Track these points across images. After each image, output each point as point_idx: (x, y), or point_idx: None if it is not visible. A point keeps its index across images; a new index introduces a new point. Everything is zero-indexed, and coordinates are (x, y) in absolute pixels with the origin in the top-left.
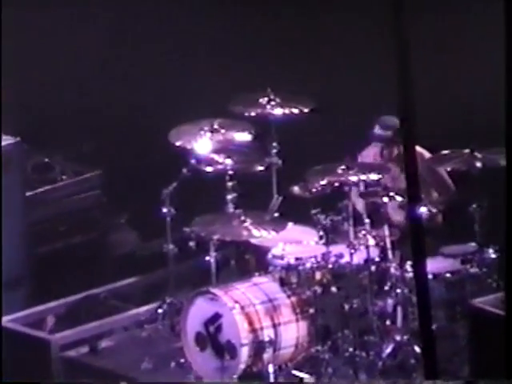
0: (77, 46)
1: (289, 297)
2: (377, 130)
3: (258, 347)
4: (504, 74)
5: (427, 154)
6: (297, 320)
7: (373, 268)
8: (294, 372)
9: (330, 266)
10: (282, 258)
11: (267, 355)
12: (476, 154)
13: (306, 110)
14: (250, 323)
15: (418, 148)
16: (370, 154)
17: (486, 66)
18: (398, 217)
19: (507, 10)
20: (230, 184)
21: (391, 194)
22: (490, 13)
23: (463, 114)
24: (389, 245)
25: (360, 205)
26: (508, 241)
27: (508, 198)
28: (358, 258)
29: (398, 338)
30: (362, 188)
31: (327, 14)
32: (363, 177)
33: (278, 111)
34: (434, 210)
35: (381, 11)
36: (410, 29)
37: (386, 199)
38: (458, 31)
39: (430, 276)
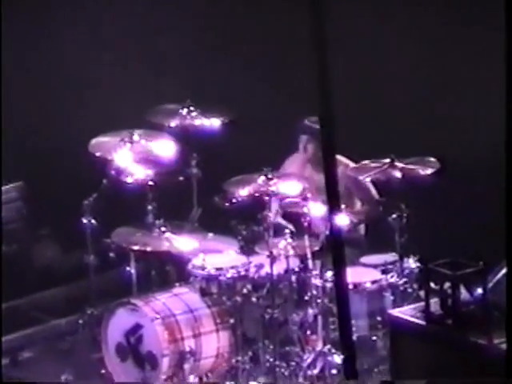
0: None
1: (209, 307)
2: (306, 122)
3: (179, 358)
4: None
5: (352, 164)
6: (217, 330)
7: (293, 278)
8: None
9: (251, 276)
10: (202, 268)
11: (188, 366)
12: (396, 163)
13: (226, 121)
14: (171, 334)
15: (343, 158)
16: (293, 162)
17: (406, 74)
18: (318, 227)
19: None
20: (150, 195)
21: (311, 204)
22: None
23: (383, 123)
24: (309, 255)
25: (279, 215)
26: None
27: (507, 205)
28: (279, 268)
29: (318, 348)
30: (282, 198)
31: (246, 22)
32: (283, 187)
33: (198, 122)
34: (356, 221)
35: (298, 14)
36: (331, 42)
37: (305, 209)
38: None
39: (350, 286)
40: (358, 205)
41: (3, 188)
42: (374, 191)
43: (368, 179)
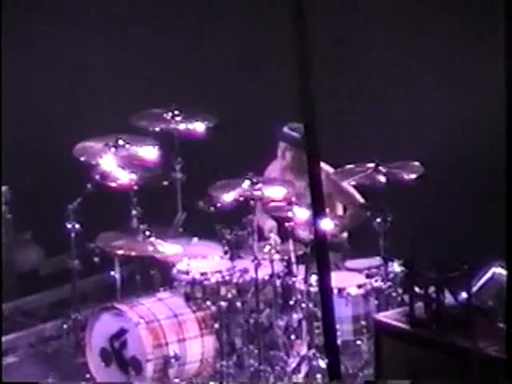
0: None
1: (194, 312)
2: (285, 129)
3: (164, 363)
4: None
5: (330, 170)
6: (202, 335)
7: (278, 283)
8: None
9: (235, 280)
10: (186, 273)
11: (172, 371)
12: (380, 168)
13: (210, 126)
14: (155, 338)
15: (323, 164)
16: (275, 168)
17: (380, 77)
18: (303, 231)
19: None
20: (134, 199)
21: (296, 208)
22: None
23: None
24: (294, 259)
25: (265, 220)
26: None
27: (508, 210)
28: (263, 272)
29: (303, 352)
30: (266, 203)
31: (228, 25)
32: (268, 192)
33: (183, 126)
34: (341, 225)
35: (281, 18)
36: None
37: (290, 214)
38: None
39: (334, 290)
40: (340, 209)
41: None
42: (357, 195)
43: (352, 183)
